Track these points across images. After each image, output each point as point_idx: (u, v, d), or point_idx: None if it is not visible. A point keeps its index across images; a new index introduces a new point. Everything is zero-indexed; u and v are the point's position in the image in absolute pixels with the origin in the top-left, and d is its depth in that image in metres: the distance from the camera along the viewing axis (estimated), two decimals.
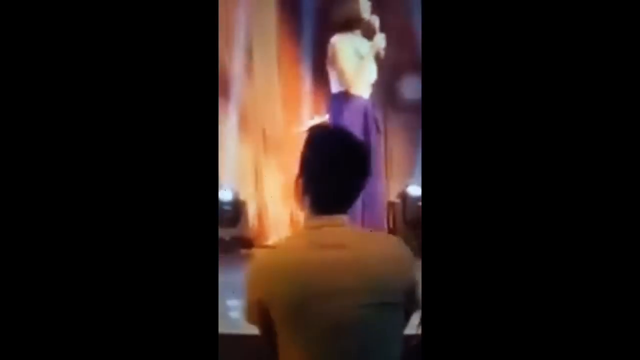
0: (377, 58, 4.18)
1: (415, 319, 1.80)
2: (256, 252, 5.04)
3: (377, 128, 4.24)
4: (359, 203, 4.01)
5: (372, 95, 4.23)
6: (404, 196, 5.19)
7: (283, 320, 1.68)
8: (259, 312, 1.70)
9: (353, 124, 4.05)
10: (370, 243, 1.77)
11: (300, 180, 1.76)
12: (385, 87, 5.11)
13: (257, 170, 5.66)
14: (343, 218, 1.75)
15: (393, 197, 5.30)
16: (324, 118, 4.39)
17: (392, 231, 5.14)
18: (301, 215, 1.84)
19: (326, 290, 1.61)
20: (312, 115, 4.90)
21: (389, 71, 4.94)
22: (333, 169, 1.71)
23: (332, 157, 1.73)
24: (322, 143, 1.72)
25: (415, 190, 5.19)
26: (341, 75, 4.09)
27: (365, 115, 4.13)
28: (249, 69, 5.53)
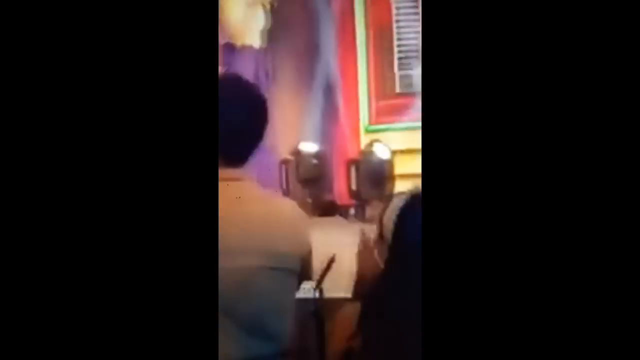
0: (269, 5, 4.02)
1: (310, 284, 1.89)
2: None
3: (268, 79, 4.11)
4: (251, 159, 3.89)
5: (263, 45, 4.08)
6: (297, 153, 5.03)
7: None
8: None
9: (242, 74, 3.89)
10: (267, 203, 1.77)
11: None
12: (277, 38, 4.93)
13: None
14: (241, 172, 1.75)
15: (285, 154, 5.13)
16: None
17: (285, 191, 5.01)
18: None
19: (221, 248, 1.51)
20: None
21: (281, 19, 4.78)
22: (229, 119, 1.69)
23: (228, 106, 1.68)
24: (223, 92, 1.62)
25: (308, 146, 5.02)
26: (226, 27, 3.94)
27: (256, 66, 4.01)
28: None
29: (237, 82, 1.80)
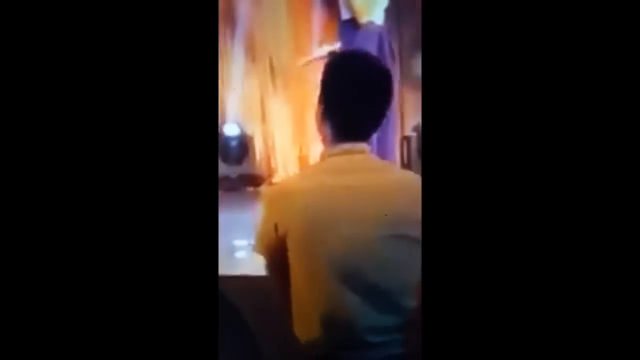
0: None
1: None
2: (264, 189, 4.90)
3: (392, 56, 4.08)
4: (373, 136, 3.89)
5: (385, 21, 4.04)
6: (419, 129, 4.99)
7: (299, 246, 1.65)
8: (275, 239, 1.67)
9: None
10: (391, 174, 1.79)
11: (321, 107, 1.73)
12: (400, 13, 4.88)
13: (264, 103, 5.40)
14: (364, 146, 1.76)
15: (408, 130, 5.10)
16: (334, 47, 4.22)
17: (406, 166, 4.99)
18: (311, 150, 1.75)
19: (345, 216, 1.57)
20: (321, 44, 4.70)
21: None
22: (355, 94, 1.64)
23: (355, 82, 1.74)
24: (345, 67, 1.64)
25: None
26: (348, 3, 3.92)
27: (380, 43, 3.99)
28: None
29: (357, 57, 1.81)
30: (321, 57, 4.38)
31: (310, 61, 4.50)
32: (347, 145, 1.70)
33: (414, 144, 4.78)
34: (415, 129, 4.83)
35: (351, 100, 1.69)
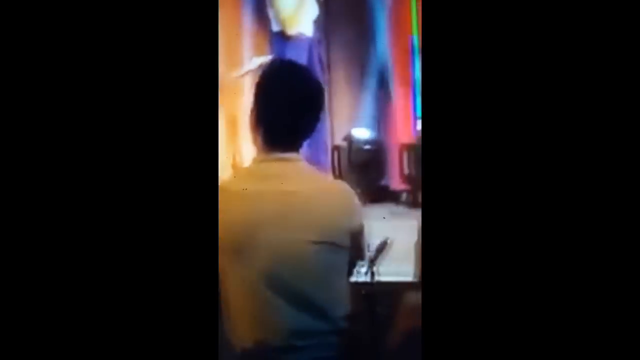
0: None
1: (364, 267, 1.91)
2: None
3: (322, 66, 4.13)
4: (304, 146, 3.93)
5: (315, 33, 4.10)
6: (349, 139, 5.05)
7: (228, 250, 1.66)
8: None
9: None
10: (321, 182, 1.83)
11: (254, 115, 1.67)
12: (330, 25, 4.94)
13: None
14: (295, 155, 1.79)
15: (338, 140, 5.16)
16: (265, 59, 4.25)
17: (338, 176, 5.03)
18: (245, 159, 1.79)
19: (274, 222, 1.57)
20: (251, 57, 4.74)
21: (333, 8, 4.77)
22: (287, 104, 1.66)
23: (287, 93, 1.78)
24: (277, 77, 1.66)
25: (360, 132, 5.04)
26: (277, 15, 3.96)
27: (310, 54, 4.04)
28: None
29: (292, 67, 1.84)
30: (254, 70, 4.42)
31: (246, 73, 4.54)
32: (278, 154, 1.73)
33: (344, 154, 4.83)
34: (345, 138, 4.89)
35: (282, 110, 1.72)
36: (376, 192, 4.88)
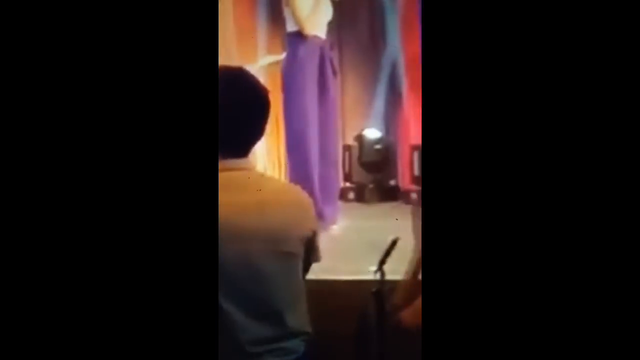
0: None
1: (373, 266, 1.92)
2: None
3: (333, 69, 4.18)
4: (314, 145, 3.98)
5: (328, 35, 4.14)
6: (360, 139, 5.11)
7: None
8: None
9: (308, 64, 4.03)
10: (271, 190, 1.81)
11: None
12: (343, 27, 5.00)
13: None
14: (246, 162, 1.80)
15: (349, 140, 5.22)
16: (279, 57, 4.30)
17: (348, 175, 5.09)
18: None
19: (230, 233, 1.58)
20: (267, 54, 4.80)
21: (346, 11, 4.84)
22: (234, 111, 1.67)
23: (233, 100, 1.75)
24: (223, 85, 1.64)
25: (371, 133, 5.09)
26: (294, 15, 4.00)
27: (321, 56, 4.08)
28: None
29: (237, 76, 1.79)
30: (266, 67, 4.48)
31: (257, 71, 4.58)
32: (229, 162, 1.71)
33: (355, 153, 4.90)
34: (356, 138, 4.96)
35: (228, 117, 1.69)
36: (386, 192, 4.93)
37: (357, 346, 2.14)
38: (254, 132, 1.78)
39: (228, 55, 5.31)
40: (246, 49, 5.34)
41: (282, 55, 4.19)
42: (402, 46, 5.20)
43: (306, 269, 1.81)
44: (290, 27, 4.10)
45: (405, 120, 5.12)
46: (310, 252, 1.81)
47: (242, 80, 1.78)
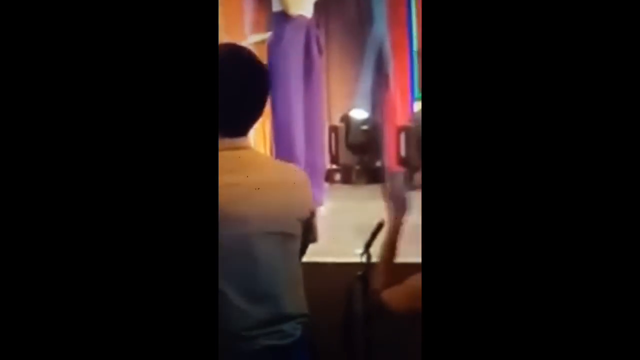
0: None
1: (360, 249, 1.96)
2: None
3: (319, 48, 4.15)
4: (301, 126, 3.96)
5: (314, 14, 4.12)
6: (347, 119, 5.09)
7: None
8: None
9: (293, 43, 4.00)
10: (269, 170, 1.79)
11: None
12: (329, 7, 4.97)
13: None
14: (245, 141, 1.77)
15: (335, 120, 5.20)
16: (265, 35, 4.27)
17: (334, 156, 5.08)
18: None
19: (226, 214, 1.55)
20: (252, 33, 4.77)
21: None
22: (233, 90, 1.64)
23: (232, 78, 1.68)
24: (222, 63, 1.61)
25: (358, 113, 5.07)
26: None
27: (307, 35, 4.05)
28: None
29: (237, 53, 1.78)
30: (252, 46, 4.43)
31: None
32: (227, 141, 1.69)
33: (342, 134, 4.88)
34: (342, 119, 4.94)
35: (228, 95, 1.66)
36: (372, 174, 4.92)
37: (345, 329, 2.14)
38: (255, 110, 1.76)
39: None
40: (233, 28, 5.29)
41: (268, 34, 4.17)
42: (389, 26, 5.17)
43: (303, 251, 1.80)
44: (276, 7, 4.08)
45: (392, 101, 5.11)
46: (308, 233, 1.80)
47: (241, 56, 1.76)
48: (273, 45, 4.03)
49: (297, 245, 1.75)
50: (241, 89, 1.71)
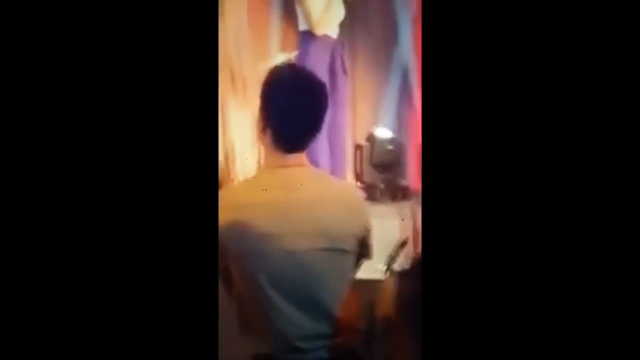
0: None
1: (383, 265, 1.97)
2: (222, 192, 4.94)
3: (344, 68, 4.21)
4: (325, 145, 4.00)
5: (340, 35, 4.17)
6: (371, 139, 5.12)
7: (239, 258, 1.70)
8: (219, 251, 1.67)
9: (319, 63, 4.06)
10: (326, 187, 1.83)
11: (261, 117, 1.75)
12: (354, 27, 5.02)
13: (223, 109, 5.52)
14: (302, 157, 1.81)
15: (360, 139, 5.23)
16: (291, 55, 4.33)
17: (359, 175, 5.09)
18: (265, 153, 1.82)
19: (282, 230, 1.61)
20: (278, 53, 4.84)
21: (359, 11, 4.85)
22: (292, 106, 1.69)
23: (292, 94, 1.72)
24: (282, 80, 1.69)
25: (382, 132, 5.10)
26: (306, 16, 4.05)
27: (332, 55, 4.11)
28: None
29: (294, 70, 1.87)
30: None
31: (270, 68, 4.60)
32: (285, 157, 1.74)
33: (366, 153, 4.90)
34: (368, 138, 4.97)
35: (288, 111, 1.74)
36: (397, 192, 4.93)
37: (365, 344, 2.16)
38: (313, 126, 1.80)
39: (242, 57, 5.33)
40: (260, 48, 5.36)
41: (295, 53, 4.23)
42: (414, 46, 5.20)
43: (357, 267, 1.84)
44: (302, 26, 4.14)
45: (416, 120, 5.13)
46: (363, 250, 1.82)
47: (298, 75, 1.83)
48: (299, 65, 4.08)
49: (352, 261, 1.78)
50: (299, 105, 1.75)
